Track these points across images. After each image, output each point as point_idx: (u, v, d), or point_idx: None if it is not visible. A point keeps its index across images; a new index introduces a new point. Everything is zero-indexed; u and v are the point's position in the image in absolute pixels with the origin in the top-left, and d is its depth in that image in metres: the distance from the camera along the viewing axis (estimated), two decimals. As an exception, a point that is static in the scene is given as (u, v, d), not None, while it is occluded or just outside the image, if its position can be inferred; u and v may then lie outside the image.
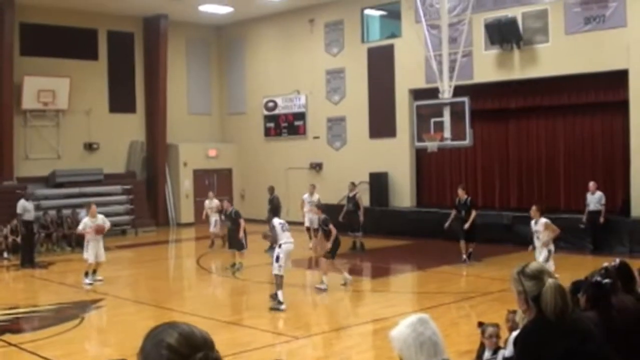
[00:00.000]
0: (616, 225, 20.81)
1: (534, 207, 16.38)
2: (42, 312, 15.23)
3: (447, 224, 20.00)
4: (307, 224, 22.86)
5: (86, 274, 18.27)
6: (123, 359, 9.01)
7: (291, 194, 28.28)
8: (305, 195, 23.44)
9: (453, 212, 20.19)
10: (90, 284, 17.99)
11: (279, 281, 14.73)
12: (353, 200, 22.93)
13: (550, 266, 14.62)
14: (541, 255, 15.37)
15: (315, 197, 22.69)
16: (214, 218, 24.28)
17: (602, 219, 20.56)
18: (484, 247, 21.59)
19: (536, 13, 22.97)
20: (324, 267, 16.63)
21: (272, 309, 14.49)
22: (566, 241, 21.00)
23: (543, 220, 15.92)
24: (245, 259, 19.73)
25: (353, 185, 23.74)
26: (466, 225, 19.62)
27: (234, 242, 19.71)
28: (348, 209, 22.91)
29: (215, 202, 24.39)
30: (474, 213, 19.83)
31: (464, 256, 19.73)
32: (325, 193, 25.14)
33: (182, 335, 2.51)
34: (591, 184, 20.83)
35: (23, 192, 22.27)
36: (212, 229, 24.32)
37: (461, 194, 20.30)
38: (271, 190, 23.83)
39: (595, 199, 20.71)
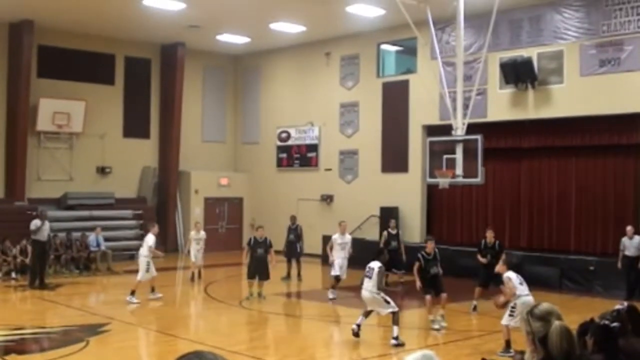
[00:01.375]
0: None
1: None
2: (48, 333, 15.23)
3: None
4: (336, 271, 20.15)
5: (133, 293, 18.80)
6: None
7: (301, 225, 28.27)
8: (336, 236, 20.85)
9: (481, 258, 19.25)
10: (137, 302, 18.67)
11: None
12: (397, 238, 22.39)
13: None
14: None
15: (348, 237, 20.90)
16: (197, 249, 23.26)
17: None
18: (493, 285, 21.49)
19: (552, 54, 23.04)
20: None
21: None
22: (575, 282, 20.96)
23: None
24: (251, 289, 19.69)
25: (394, 223, 22.94)
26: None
27: (264, 271, 19.38)
28: (392, 247, 21.35)
29: (202, 233, 23.69)
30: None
31: (475, 303, 18.55)
32: (335, 225, 25.07)
33: None
34: (629, 228, 20.05)
35: (38, 213, 22.41)
36: (195, 260, 23.23)
37: (490, 236, 19.57)
38: (293, 219, 23.94)
39: (635, 244, 19.83)
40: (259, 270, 19.35)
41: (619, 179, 22.78)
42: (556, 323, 4.27)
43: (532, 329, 4.34)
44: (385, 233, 22.70)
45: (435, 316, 16.15)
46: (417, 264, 16.49)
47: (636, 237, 19.89)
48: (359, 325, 14.64)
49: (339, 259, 20.17)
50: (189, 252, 23.72)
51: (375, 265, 14.74)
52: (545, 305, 4.46)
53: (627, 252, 19.98)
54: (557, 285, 21.42)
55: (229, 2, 23.77)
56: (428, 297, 16.13)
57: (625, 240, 20.06)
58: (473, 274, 20.22)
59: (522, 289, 13.85)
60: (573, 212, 23.66)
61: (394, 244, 22.00)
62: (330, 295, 19.60)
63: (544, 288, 20.75)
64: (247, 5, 24.00)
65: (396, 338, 14.17)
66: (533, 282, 20.43)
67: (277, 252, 20.51)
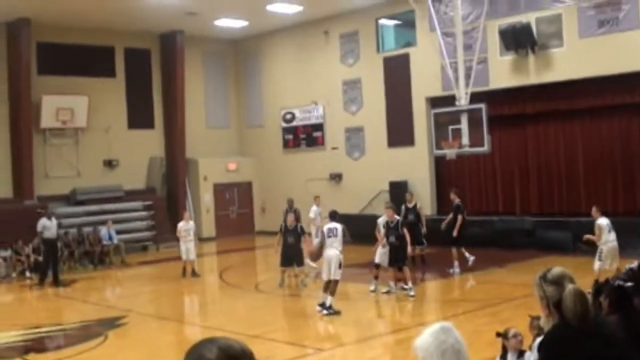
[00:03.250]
0: (637, 226, 20.60)
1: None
2: (66, 330, 15.32)
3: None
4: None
5: None
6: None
7: (311, 205, 28.34)
8: (381, 219, 17.92)
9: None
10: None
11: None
12: (414, 211, 20.78)
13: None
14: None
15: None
16: (189, 242, 21.49)
17: None
18: (506, 253, 21.59)
19: (550, 18, 22.94)
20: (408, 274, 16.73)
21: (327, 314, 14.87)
22: (588, 244, 20.90)
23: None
24: (266, 272, 19.72)
25: (411, 195, 21.92)
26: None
27: (299, 258, 18.94)
28: (410, 221, 19.79)
29: (192, 224, 22.28)
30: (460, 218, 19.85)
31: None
32: (346, 203, 25.17)
33: (221, 349, 2.59)
34: None
35: (44, 212, 22.44)
36: (186, 255, 21.40)
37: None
38: (290, 202, 22.64)
39: None
40: (292, 257, 18.86)
41: (624, 139, 22.74)
42: (569, 286, 4.28)
43: (546, 293, 4.35)
44: (403, 207, 20.79)
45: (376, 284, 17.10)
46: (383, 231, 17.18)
47: None
48: (323, 305, 15.16)
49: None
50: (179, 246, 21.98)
51: (338, 225, 15.69)
52: (557, 270, 4.47)
53: None
54: (570, 249, 21.38)
55: (224, -13, 23.72)
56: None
57: None
58: (485, 243, 20.26)
59: (610, 236, 15.68)
60: (582, 175, 23.64)
61: (411, 217, 20.38)
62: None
63: (557, 252, 20.83)
64: (243, -11, 23.95)
65: (329, 307, 15.01)
66: (546, 247, 20.63)
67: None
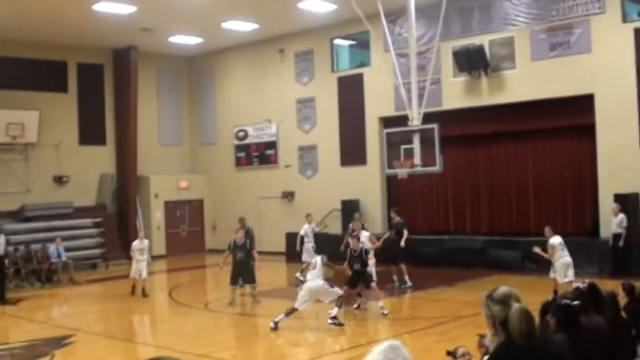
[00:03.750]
0: (585, 246, 20.86)
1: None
2: (12, 349, 15.01)
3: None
4: None
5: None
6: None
7: (263, 223, 28.30)
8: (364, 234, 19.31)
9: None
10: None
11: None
12: (397, 227, 21.20)
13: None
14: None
15: (365, 234, 19.45)
16: (142, 261, 20.92)
17: (622, 242, 19.88)
18: (457, 271, 21.72)
19: (503, 40, 23.25)
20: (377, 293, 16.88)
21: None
22: (537, 263, 21.14)
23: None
24: (217, 291, 19.57)
25: (360, 216, 22.78)
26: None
27: (248, 274, 18.74)
28: (391, 237, 21.02)
29: (146, 242, 21.69)
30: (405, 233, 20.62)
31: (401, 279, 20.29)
32: (298, 222, 25.04)
33: None
34: (613, 206, 20.26)
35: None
36: (138, 274, 20.81)
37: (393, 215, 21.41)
38: (242, 221, 22.07)
39: (616, 222, 20.06)
40: (242, 274, 18.73)
41: (575, 160, 23.06)
42: (515, 305, 4.30)
43: (492, 312, 4.37)
44: (349, 226, 21.77)
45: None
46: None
47: (620, 215, 20.02)
48: (276, 323, 15.25)
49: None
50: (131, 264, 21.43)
51: (318, 258, 16.08)
52: (503, 289, 4.49)
53: (612, 230, 20.24)
54: (520, 268, 21.65)
55: (179, 3, 23.63)
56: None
57: (612, 218, 20.28)
58: (436, 262, 20.41)
59: (564, 252, 16.90)
60: (532, 195, 23.91)
61: (392, 233, 21.23)
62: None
63: (507, 271, 21.04)
64: (198, 5, 23.88)
65: (334, 317, 15.35)
66: (496, 266, 20.77)
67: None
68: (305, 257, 21.56)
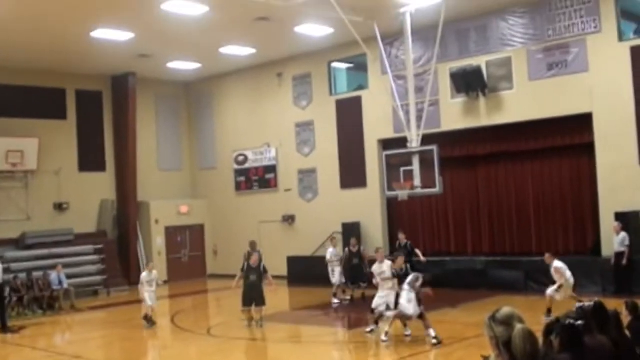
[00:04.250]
0: (587, 265, 20.88)
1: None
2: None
3: None
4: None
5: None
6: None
7: (264, 247, 28.20)
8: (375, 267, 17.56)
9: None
10: None
11: None
12: (358, 254, 22.69)
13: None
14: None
15: (387, 264, 17.21)
16: (151, 291, 20.24)
17: (625, 261, 19.81)
18: (459, 293, 21.65)
19: (500, 61, 23.33)
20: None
21: None
22: (540, 283, 21.12)
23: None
24: (219, 316, 19.55)
25: (356, 241, 23.36)
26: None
27: (259, 297, 18.84)
28: (354, 264, 22.48)
29: (155, 273, 20.90)
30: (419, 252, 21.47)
31: None
32: (299, 245, 25.12)
33: None
34: (615, 225, 20.20)
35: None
36: (150, 302, 20.15)
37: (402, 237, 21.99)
38: (253, 245, 22.24)
39: (618, 240, 20.03)
40: (253, 297, 18.74)
41: (574, 179, 23.08)
42: (518, 326, 4.29)
43: (495, 333, 4.36)
44: (346, 250, 23.05)
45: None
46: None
47: (622, 233, 19.97)
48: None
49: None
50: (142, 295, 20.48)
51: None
52: (506, 310, 4.48)
53: (614, 249, 20.20)
54: (522, 288, 21.61)
55: (177, 30, 23.72)
56: None
57: (614, 236, 20.23)
58: (438, 283, 20.35)
59: (568, 273, 17.23)
60: (532, 215, 23.89)
61: (355, 261, 22.46)
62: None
63: (510, 291, 20.98)
64: (196, 31, 23.97)
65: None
66: (498, 286, 20.74)
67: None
68: (336, 279, 22.65)
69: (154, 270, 21.19)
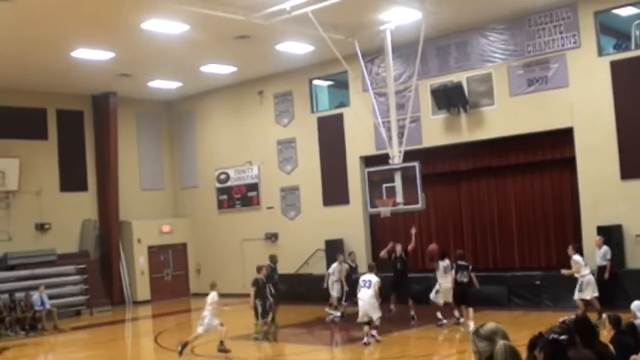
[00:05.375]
0: (570, 279, 20.94)
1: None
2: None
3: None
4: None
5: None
6: None
7: (248, 266, 28.10)
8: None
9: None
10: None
11: None
12: (356, 271, 22.98)
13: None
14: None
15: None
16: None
17: (607, 275, 19.69)
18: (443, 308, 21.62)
19: (481, 77, 23.45)
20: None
21: None
22: (523, 298, 21.18)
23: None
24: (204, 336, 19.39)
25: (356, 256, 23.97)
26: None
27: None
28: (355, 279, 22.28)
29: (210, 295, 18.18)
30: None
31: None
32: (282, 263, 24.94)
33: None
34: (597, 239, 20.26)
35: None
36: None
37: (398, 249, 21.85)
38: (274, 258, 22.30)
39: (600, 254, 20.02)
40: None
41: (556, 194, 23.16)
42: (500, 343, 4.30)
43: (479, 349, 4.38)
44: (347, 267, 22.96)
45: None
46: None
47: (604, 248, 19.99)
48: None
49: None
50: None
51: (373, 277, 17.67)
52: (490, 325, 4.49)
53: (597, 263, 20.16)
54: (506, 303, 21.65)
55: (158, 49, 23.71)
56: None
57: (596, 251, 20.25)
58: (422, 299, 20.40)
59: (586, 269, 18.35)
60: (515, 230, 23.95)
61: (355, 276, 22.35)
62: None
63: (493, 307, 20.99)
64: (177, 50, 23.97)
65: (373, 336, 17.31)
66: (482, 302, 20.74)
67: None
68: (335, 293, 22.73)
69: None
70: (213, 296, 17.54)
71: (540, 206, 23.41)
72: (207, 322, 17.20)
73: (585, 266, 18.44)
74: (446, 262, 19.83)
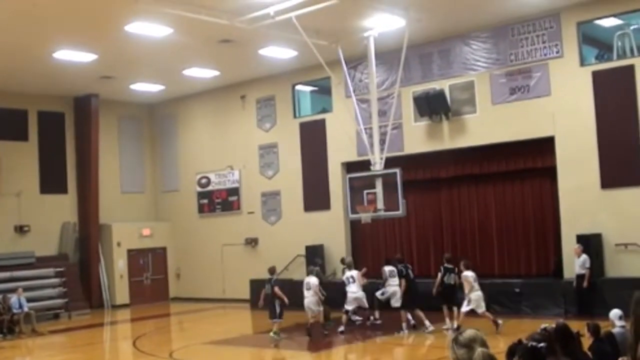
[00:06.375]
0: (549, 287, 21.07)
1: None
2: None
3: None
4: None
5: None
6: None
7: (226, 270, 28.06)
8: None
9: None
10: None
11: None
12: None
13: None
14: None
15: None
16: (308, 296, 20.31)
17: (585, 283, 19.83)
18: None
19: (463, 85, 23.53)
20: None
21: None
22: (503, 305, 21.22)
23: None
24: (182, 340, 19.41)
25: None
26: None
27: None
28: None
29: (309, 278, 20.63)
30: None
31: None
32: (262, 268, 24.89)
33: None
34: (576, 247, 20.33)
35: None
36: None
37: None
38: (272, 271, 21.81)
39: (579, 263, 20.11)
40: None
41: (537, 202, 23.24)
42: (478, 350, 4.30)
43: (457, 356, 4.37)
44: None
45: None
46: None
47: (583, 256, 20.05)
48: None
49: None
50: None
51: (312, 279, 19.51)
52: (469, 332, 4.49)
53: (575, 271, 20.31)
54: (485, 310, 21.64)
55: (141, 51, 23.64)
56: None
57: (575, 259, 20.35)
58: (401, 306, 20.37)
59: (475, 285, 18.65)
60: (495, 237, 24.02)
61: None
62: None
63: (472, 313, 20.98)
64: (160, 53, 23.91)
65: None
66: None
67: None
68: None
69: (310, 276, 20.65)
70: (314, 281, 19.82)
71: (520, 214, 23.49)
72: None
73: (475, 282, 18.79)
74: (390, 267, 20.63)
